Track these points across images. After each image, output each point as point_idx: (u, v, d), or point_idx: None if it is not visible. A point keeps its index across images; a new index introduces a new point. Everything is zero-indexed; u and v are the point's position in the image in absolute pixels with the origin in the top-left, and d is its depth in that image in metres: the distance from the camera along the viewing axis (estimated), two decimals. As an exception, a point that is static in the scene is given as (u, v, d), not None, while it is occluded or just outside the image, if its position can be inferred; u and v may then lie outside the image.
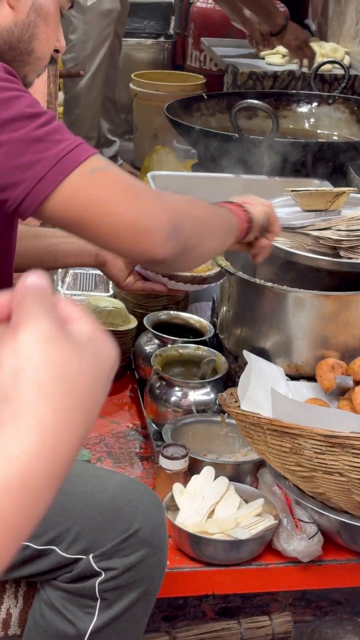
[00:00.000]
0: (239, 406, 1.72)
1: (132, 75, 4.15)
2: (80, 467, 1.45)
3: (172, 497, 1.76)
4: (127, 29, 4.01)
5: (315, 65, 3.44)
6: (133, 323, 2.26)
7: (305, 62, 3.50)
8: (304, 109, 3.26)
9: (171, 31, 5.31)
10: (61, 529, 1.37)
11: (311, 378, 1.91)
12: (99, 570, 1.38)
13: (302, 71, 3.47)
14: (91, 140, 3.63)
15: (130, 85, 4.12)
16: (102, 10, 3.45)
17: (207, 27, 4.21)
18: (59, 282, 2.37)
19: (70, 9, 1.53)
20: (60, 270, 2.43)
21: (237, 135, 2.72)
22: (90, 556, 1.37)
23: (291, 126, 3.23)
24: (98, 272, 2.36)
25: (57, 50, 1.51)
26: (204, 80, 4.21)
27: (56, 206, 1.28)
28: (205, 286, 1.92)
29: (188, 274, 1.86)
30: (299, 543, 1.69)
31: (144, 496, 1.41)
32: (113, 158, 3.94)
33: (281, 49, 3.80)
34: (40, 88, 2.18)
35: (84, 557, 1.38)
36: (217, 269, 1.95)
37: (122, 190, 1.30)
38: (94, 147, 3.54)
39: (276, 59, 3.71)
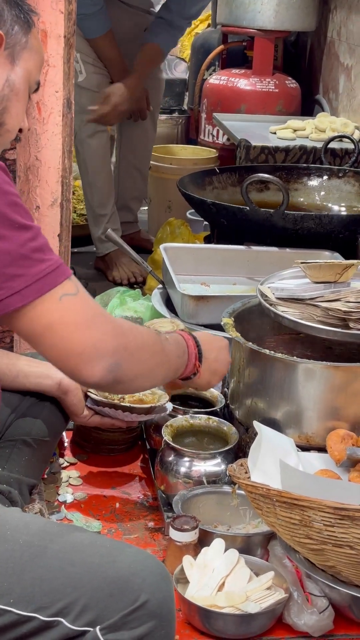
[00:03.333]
0: (249, 477, 1.72)
1: (147, 149, 4.24)
2: (89, 537, 1.45)
3: (182, 570, 1.75)
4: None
5: (326, 139, 3.50)
6: (145, 394, 2.28)
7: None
8: (314, 182, 3.31)
9: (185, 107, 5.42)
10: (68, 600, 1.36)
11: (322, 449, 1.91)
12: None
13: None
14: (107, 207, 3.72)
15: (145, 158, 4.20)
16: (90, 85, 3.66)
17: (219, 102, 4.29)
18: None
19: (35, 92, 1.65)
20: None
21: (248, 208, 2.77)
22: (98, 628, 1.36)
23: (302, 199, 3.28)
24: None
25: (20, 130, 1.61)
26: (217, 154, 4.28)
27: (21, 319, 1.42)
28: (154, 416, 2.11)
29: (145, 405, 2.07)
30: (310, 617, 1.67)
31: (152, 568, 1.40)
32: (132, 225, 4.01)
33: (292, 123, 3.88)
34: (54, 163, 2.23)
35: (91, 629, 1.36)
36: (165, 399, 2.12)
37: (83, 319, 1.45)
38: (109, 214, 3.64)
39: (287, 133, 3.77)
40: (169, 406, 2.13)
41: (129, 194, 4.00)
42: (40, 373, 1.95)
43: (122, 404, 2.05)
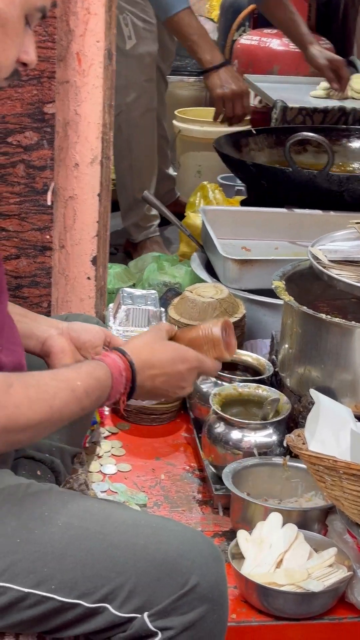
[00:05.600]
0: (307, 448, 1.62)
1: (176, 112, 4.11)
2: (133, 517, 1.35)
3: (236, 545, 1.66)
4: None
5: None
6: (188, 361, 2.17)
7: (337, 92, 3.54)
8: (355, 144, 3.20)
9: (213, 69, 5.28)
10: (113, 586, 1.27)
11: (380, 420, 1.81)
12: (154, 630, 1.27)
13: (334, 94, 3.54)
14: (149, 191, 3.41)
15: (174, 122, 4.06)
16: (141, 53, 3.29)
17: (251, 63, 4.16)
18: (111, 318, 2.29)
19: (41, 19, 1.38)
20: (111, 305, 2.35)
21: (291, 169, 2.65)
22: (145, 615, 1.27)
23: (342, 161, 3.16)
24: (151, 307, 2.28)
25: (25, 64, 1.38)
26: (248, 117, 4.15)
27: None
28: None
29: None
30: (375, 596, 1.58)
31: (201, 548, 1.31)
32: (170, 193, 3.83)
33: (324, 83, 3.74)
34: (95, 118, 2.12)
35: (139, 615, 1.28)
36: None
37: None
38: (152, 186, 3.32)
39: (320, 92, 3.65)
40: None
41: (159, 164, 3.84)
42: (27, 331, 1.66)
43: None
